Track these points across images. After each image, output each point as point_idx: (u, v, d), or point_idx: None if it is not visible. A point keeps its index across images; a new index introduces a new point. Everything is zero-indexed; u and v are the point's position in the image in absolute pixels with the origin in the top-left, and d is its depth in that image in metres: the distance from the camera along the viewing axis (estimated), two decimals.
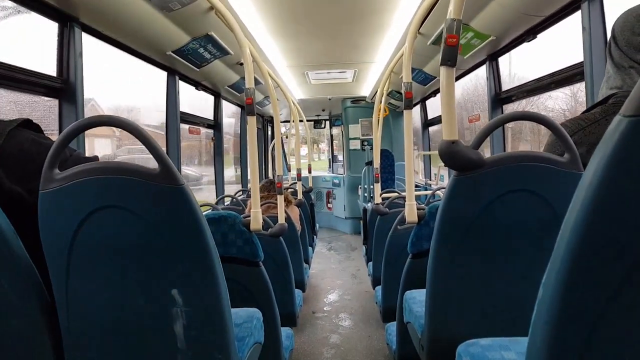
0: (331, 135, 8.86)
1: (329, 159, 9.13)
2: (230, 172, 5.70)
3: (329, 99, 6.72)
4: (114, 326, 1.10)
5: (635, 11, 1.05)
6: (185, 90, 3.63)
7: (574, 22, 2.16)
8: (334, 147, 9.05)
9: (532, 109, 3.18)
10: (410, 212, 2.00)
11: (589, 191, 0.48)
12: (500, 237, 1.21)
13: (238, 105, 5.27)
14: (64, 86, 2.10)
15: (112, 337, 1.11)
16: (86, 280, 1.05)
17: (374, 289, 3.42)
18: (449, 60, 1.19)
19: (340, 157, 8.37)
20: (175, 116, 3.33)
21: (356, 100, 6.82)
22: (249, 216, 1.87)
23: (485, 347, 1.01)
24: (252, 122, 1.96)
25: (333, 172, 8.44)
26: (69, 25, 2.09)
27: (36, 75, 1.96)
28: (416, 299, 1.65)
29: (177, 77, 3.30)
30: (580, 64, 2.14)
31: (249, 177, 4.57)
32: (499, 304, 1.26)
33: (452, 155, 1.16)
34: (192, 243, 1.05)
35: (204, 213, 1.84)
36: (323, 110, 7.96)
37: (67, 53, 2.10)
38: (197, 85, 3.82)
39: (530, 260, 1.20)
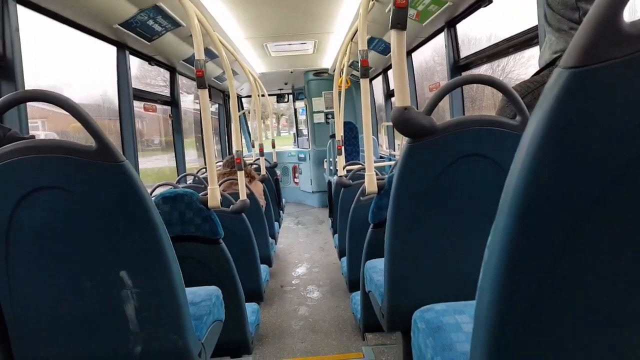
0: (294, 110, 8.77)
1: (294, 134, 9.05)
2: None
3: (291, 72, 6.61)
4: (60, 312, 1.06)
5: None
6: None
7: None
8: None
9: None
10: (370, 183, 2.00)
11: (529, 148, 0.46)
12: (455, 203, 1.21)
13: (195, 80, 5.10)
14: (0, 64, 1.95)
15: (60, 324, 1.07)
16: (27, 265, 1.01)
17: (340, 260, 3.45)
18: (399, 23, 1.16)
19: (305, 131, 8.31)
20: (127, 93, 3.18)
21: (318, 72, 6.74)
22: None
23: (440, 312, 1.01)
24: (204, 95, 1.89)
25: (298, 147, 8.38)
26: None
27: None
28: (376, 268, 1.66)
29: (127, 52, 3.14)
30: (535, 28, 2.15)
31: None
32: (456, 270, 1.27)
33: (404, 121, 1.14)
34: (137, 222, 1.01)
35: (162, 192, 1.79)
36: (286, 84, 7.84)
37: (1, 28, 1.94)
38: (150, 60, 3.65)
39: (485, 225, 1.20)
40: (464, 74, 3.21)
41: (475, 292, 0.61)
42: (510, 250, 0.51)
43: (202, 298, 1.41)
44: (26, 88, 2.02)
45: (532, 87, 1.14)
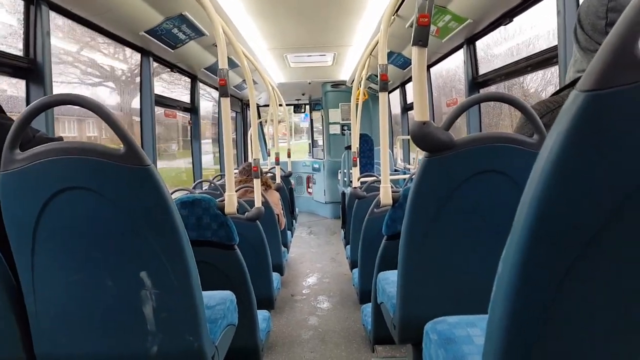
0: (311, 120, 8.82)
1: (309, 144, 9.10)
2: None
3: (309, 83, 6.66)
4: (81, 309, 1.09)
5: None
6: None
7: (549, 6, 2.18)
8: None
9: None
10: (385, 195, 2.01)
11: (546, 166, 0.48)
12: (470, 218, 1.22)
13: (215, 88, 5.20)
14: (31, 66, 2.04)
15: (81, 320, 1.10)
16: (52, 264, 1.04)
17: (351, 271, 3.45)
18: (421, 40, 1.19)
19: (320, 142, 8.35)
20: (149, 99, 3.27)
21: (336, 84, 6.79)
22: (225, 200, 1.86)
23: (452, 325, 1.02)
24: (225, 103, 1.93)
25: (313, 157, 8.42)
26: (36, 3, 2.01)
27: (1, 54, 1.89)
28: (389, 280, 1.67)
29: (151, 59, 3.23)
30: (555, 48, 2.16)
31: None
32: (469, 284, 1.28)
33: (422, 136, 1.16)
34: (159, 224, 1.04)
35: (179, 197, 1.83)
36: (303, 95, 7.90)
37: (33, 32, 2.03)
38: (173, 67, 3.74)
39: (499, 240, 1.21)
40: (482, 90, 3.22)
41: (488, 306, 0.62)
42: (523, 265, 0.53)
43: (217, 302, 1.44)
44: None
45: (551, 107, 1.14)
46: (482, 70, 3.19)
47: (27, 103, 2.08)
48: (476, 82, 3.19)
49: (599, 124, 0.44)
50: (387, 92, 2.16)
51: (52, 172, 0.98)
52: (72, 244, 1.03)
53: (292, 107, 8.54)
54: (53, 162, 0.98)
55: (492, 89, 3.14)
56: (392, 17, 2.29)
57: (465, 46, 3.21)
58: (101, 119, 0.99)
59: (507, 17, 2.57)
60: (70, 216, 1.01)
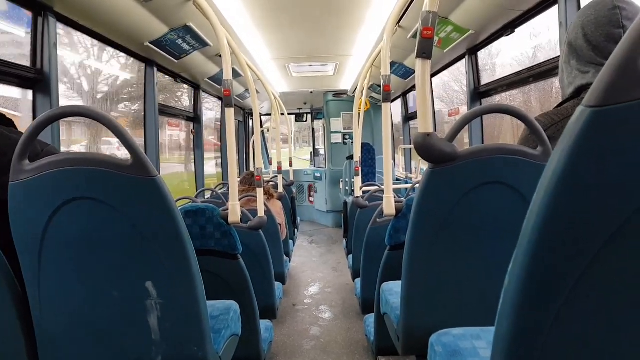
0: (312, 129, 8.84)
1: (311, 153, 9.11)
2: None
3: (311, 93, 6.69)
4: (87, 318, 1.10)
5: (605, 5, 1.04)
6: None
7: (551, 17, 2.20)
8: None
9: None
10: (388, 205, 2.01)
11: (552, 180, 0.48)
12: (474, 229, 1.22)
13: (218, 97, 5.22)
14: (37, 77, 2.06)
15: (86, 329, 1.11)
16: (58, 273, 1.05)
17: (353, 281, 3.44)
18: (424, 52, 1.20)
19: (321, 151, 8.36)
20: (153, 108, 3.29)
21: (338, 93, 6.81)
22: (228, 209, 1.87)
23: (457, 337, 1.02)
24: (229, 114, 1.94)
25: (314, 166, 8.43)
26: (44, 15, 2.04)
27: (9, 65, 1.91)
28: (393, 291, 1.66)
29: (155, 69, 3.25)
30: (557, 59, 2.17)
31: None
32: (473, 296, 1.27)
33: (426, 147, 1.16)
34: (165, 235, 1.05)
35: (183, 206, 1.83)
36: (305, 104, 7.93)
37: (41, 43, 2.05)
38: (176, 77, 3.77)
39: (504, 252, 1.21)
40: (484, 101, 3.23)
41: (492, 318, 0.62)
42: (529, 278, 0.53)
43: (220, 312, 1.44)
44: None
45: (556, 120, 1.14)
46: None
47: (34, 112, 2.09)
48: (478, 92, 3.21)
49: (604, 140, 0.45)
50: (389, 103, 2.17)
51: (60, 182, 0.99)
52: (79, 253, 1.04)
53: (294, 116, 8.57)
54: (61, 172, 0.99)
55: (496, 98, 3.16)
56: (394, 28, 2.31)
57: (467, 57, 3.23)
58: (109, 129, 1.00)
59: (508, 28, 2.59)
60: (77, 226, 1.02)
